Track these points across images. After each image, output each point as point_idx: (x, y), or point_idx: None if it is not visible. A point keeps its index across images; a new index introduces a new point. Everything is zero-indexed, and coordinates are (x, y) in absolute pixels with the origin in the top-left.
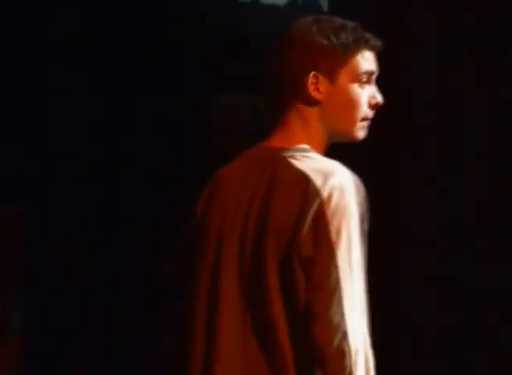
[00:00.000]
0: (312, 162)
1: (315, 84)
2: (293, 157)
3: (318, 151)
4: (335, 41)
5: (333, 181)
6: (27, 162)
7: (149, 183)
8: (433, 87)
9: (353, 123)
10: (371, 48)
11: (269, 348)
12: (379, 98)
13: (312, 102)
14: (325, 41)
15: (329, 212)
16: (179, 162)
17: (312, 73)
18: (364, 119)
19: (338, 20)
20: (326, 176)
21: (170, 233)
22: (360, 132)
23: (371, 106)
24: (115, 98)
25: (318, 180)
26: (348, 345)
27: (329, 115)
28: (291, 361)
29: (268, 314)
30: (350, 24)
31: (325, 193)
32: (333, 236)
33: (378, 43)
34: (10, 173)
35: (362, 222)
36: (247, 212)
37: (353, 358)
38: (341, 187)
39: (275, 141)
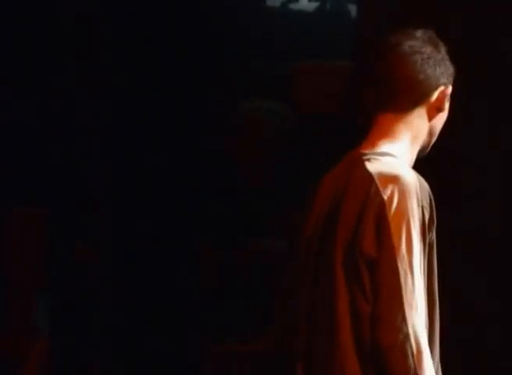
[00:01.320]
0: (382, 165)
1: (444, 98)
2: (368, 159)
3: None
4: (445, 70)
5: (396, 183)
6: (52, 164)
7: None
8: None
9: (434, 139)
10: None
11: (332, 347)
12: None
13: (428, 117)
14: (442, 70)
15: (390, 213)
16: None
17: (446, 87)
18: None
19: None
20: (390, 178)
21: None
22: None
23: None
24: (135, 100)
25: (381, 181)
26: (411, 346)
27: (430, 127)
28: (353, 362)
29: (334, 313)
30: (446, 55)
31: (386, 194)
32: (394, 238)
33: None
34: (35, 174)
35: (423, 225)
36: (327, 213)
37: (415, 358)
38: (403, 190)
39: (365, 146)
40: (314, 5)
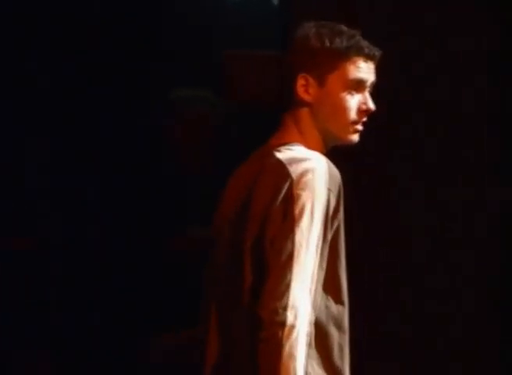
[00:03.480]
0: (292, 153)
1: (305, 86)
2: (278, 150)
3: (315, 149)
4: (328, 45)
5: (306, 165)
6: None
7: None
8: None
9: (342, 127)
10: (366, 57)
11: (232, 322)
12: (371, 105)
13: (302, 103)
14: (318, 45)
15: (297, 190)
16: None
17: (301, 75)
18: (354, 123)
19: (339, 27)
20: (301, 161)
21: None
22: (351, 136)
23: (361, 112)
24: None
25: (292, 165)
26: (285, 317)
27: (319, 116)
28: (244, 336)
29: (241, 291)
30: (349, 31)
31: (296, 174)
32: (296, 212)
33: (375, 53)
34: None
35: (328, 207)
36: (236, 201)
37: (287, 330)
38: (312, 170)
39: (274, 140)
40: None
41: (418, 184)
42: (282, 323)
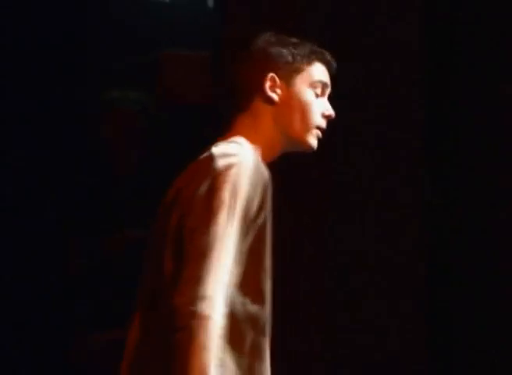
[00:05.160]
0: (226, 147)
1: (273, 86)
2: (216, 145)
3: (266, 151)
4: (293, 50)
5: (231, 160)
6: None
7: None
8: None
9: (306, 128)
10: (326, 63)
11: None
12: (331, 111)
13: (266, 103)
14: (284, 50)
15: (218, 184)
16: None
17: (270, 75)
18: (317, 128)
19: (295, 38)
20: (229, 156)
21: None
22: (313, 140)
23: (324, 117)
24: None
25: (220, 159)
26: (200, 307)
27: (283, 117)
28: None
29: (160, 281)
30: (307, 41)
31: (220, 168)
32: (215, 205)
33: (332, 59)
34: None
35: (250, 203)
36: (169, 195)
37: (201, 320)
38: (236, 165)
39: (223, 138)
40: None
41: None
42: (197, 314)
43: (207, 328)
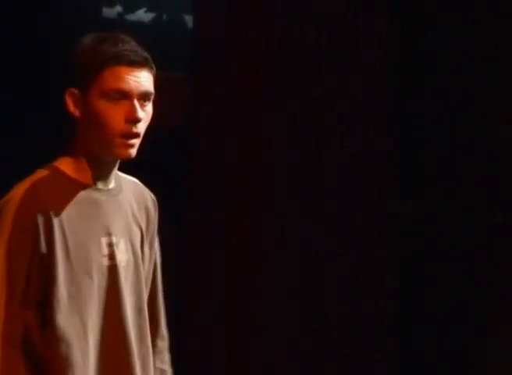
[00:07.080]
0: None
1: (74, 101)
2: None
3: (85, 166)
4: (89, 58)
5: (5, 197)
6: None
7: None
8: None
9: (109, 140)
10: (128, 65)
11: None
12: (136, 114)
13: (75, 118)
14: (81, 59)
15: None
16: None
17: (68, 90)
18: (123, 136)
19: (105, 35)
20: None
21: None
22: (120, 149)
23: (128, 122)
24: None
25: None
26: None
27: (87, 130)
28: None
29: None
30: (114, 40)
31: None
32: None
33: (138, 59)
34: None
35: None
36: None
37: None
38: (5, 203)
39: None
40: (150, 16)
41: None
42: None
43: None
